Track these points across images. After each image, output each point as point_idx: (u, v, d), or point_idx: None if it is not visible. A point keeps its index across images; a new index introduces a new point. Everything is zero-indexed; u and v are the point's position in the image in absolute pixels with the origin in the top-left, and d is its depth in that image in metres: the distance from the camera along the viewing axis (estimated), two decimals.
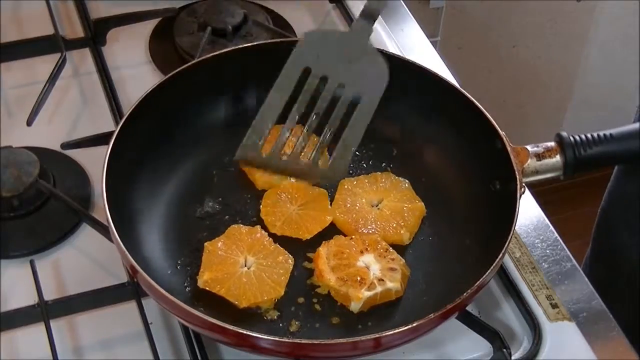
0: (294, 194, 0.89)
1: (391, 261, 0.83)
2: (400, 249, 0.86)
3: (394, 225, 0.87)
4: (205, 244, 0.83)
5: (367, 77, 0.82)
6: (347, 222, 0.87)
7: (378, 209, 0.89)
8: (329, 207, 0.88)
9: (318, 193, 0.89)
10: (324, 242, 0.85)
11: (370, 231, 0.86)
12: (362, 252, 0.83)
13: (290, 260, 0.83)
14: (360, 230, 0.86)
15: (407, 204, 0.89)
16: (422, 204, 0.89)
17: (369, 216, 0.87)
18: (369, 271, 0.82)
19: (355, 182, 0.90)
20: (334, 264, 0.82)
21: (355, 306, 0.80)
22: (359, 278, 0.81)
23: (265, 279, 0.81)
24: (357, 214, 0.88)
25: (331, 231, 0.87)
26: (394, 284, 0.81)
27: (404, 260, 0.84)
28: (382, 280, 0.81)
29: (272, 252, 0.83)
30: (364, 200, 0.89)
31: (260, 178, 0.90)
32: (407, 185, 0.91)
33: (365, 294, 0.80)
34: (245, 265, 0.82)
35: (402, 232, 0.86)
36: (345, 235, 0.86)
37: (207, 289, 0.80)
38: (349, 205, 0.88)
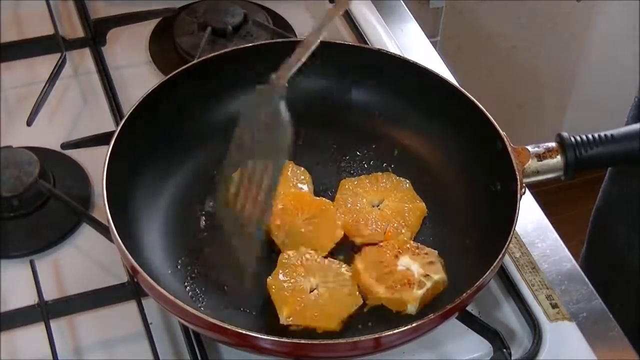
0: (298, 207, 0.87)
1: (426, 256, 0.83)
2: None
3: (395, 225, 0.87)
4: (268, 281, 0.80)
5: (275, 142, 0.78)
6: (347, 222, 0.87)
7: (379, 209, 0.89)
8: (337, 221, 0.86)
9: (322, 203, 0.88)
10: (355, 255, 0.84)
11: (371, 231, 0.86)
12: (396, 256, 0.83)
13: (345, 270, 0.82)
14: (360, 231, 0.86)
15: (408, 204, 0.89)
16: (423, 204, 0.89)
17: (369, 216, 0.87)
18: (411, 271, 0.82)
19: (356, 182, 0.90)
20: (376, 275, 0.81)
21: (412, 308, 0.80)
22: (406, 281, 0.81)
23: (339, 292, 0.80)
24: (358, 214, 0.87)
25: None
26: (439, 275, 0.81)
27: (436, 251, 0.84)
28: (428, 275, 0.81)
29: (326, 267, 0.82)
30: (364, 200, 0.89)
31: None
32: (408, 185, 0.91)
33: (418, 293, 0.80)
34: (315, 288, 0.81)
35: (402, 232, 0.86)
36: (344, 236, 0.86)
37: (293, 324, 0.78)
38: (349, 205, 0.88)
